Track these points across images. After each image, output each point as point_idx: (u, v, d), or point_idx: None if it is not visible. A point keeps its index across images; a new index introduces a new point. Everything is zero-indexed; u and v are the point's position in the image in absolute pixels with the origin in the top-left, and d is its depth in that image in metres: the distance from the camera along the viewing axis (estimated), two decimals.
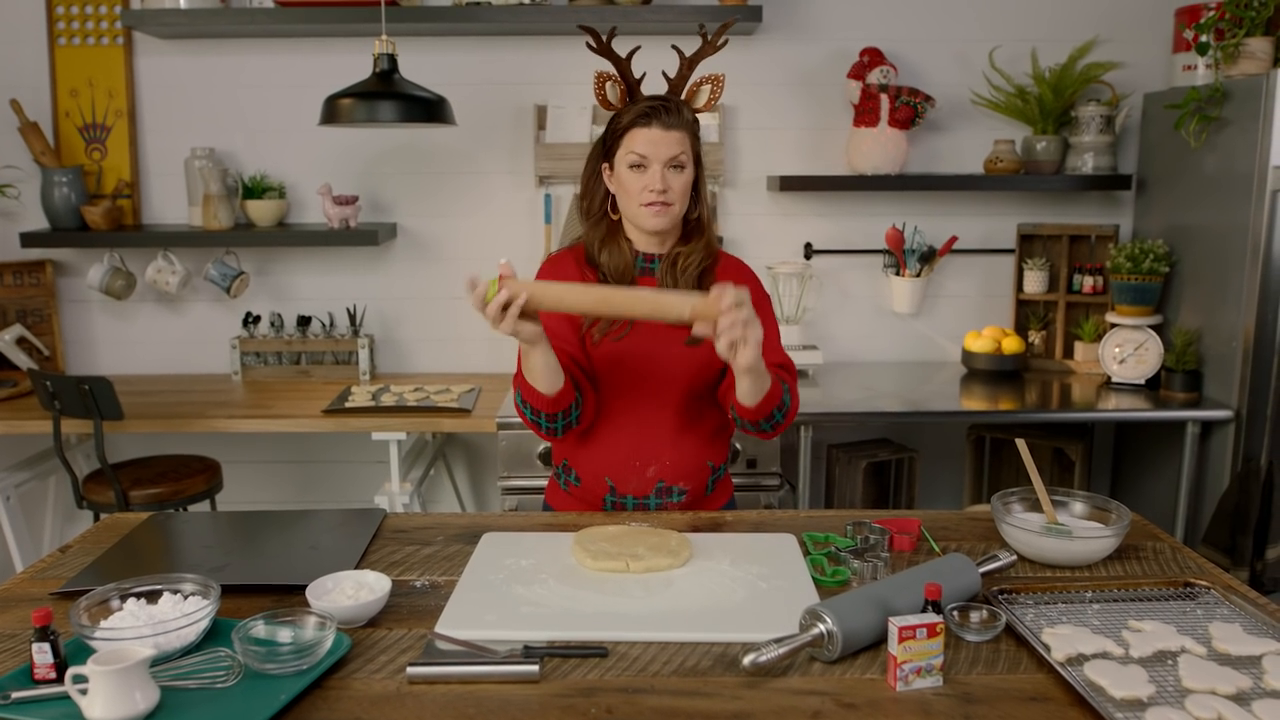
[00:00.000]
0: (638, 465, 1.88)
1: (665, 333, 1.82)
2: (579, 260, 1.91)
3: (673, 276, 1.86)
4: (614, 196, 1.87)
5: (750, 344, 1.56)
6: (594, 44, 1.88)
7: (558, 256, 1.96)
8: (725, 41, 1.91)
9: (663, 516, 1.85)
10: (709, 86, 1.89)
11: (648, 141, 1.78)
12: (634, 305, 1.61)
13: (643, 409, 1.87)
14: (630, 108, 1.82)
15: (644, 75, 1.89)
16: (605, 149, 1.86)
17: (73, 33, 3.32)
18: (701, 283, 1.86)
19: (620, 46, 1.88)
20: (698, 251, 1.87)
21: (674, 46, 1.92)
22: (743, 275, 1.93)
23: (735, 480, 2.82)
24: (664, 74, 1.89)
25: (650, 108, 1.79)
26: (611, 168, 1.85)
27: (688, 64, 1.89)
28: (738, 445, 2.89)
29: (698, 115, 1.86)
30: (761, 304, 1.89)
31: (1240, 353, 2.85)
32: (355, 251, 3.48)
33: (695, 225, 1.89)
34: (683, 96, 1.89)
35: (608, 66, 1.89)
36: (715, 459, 1.95)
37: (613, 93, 1.87)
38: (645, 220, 1.82)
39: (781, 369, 1.87)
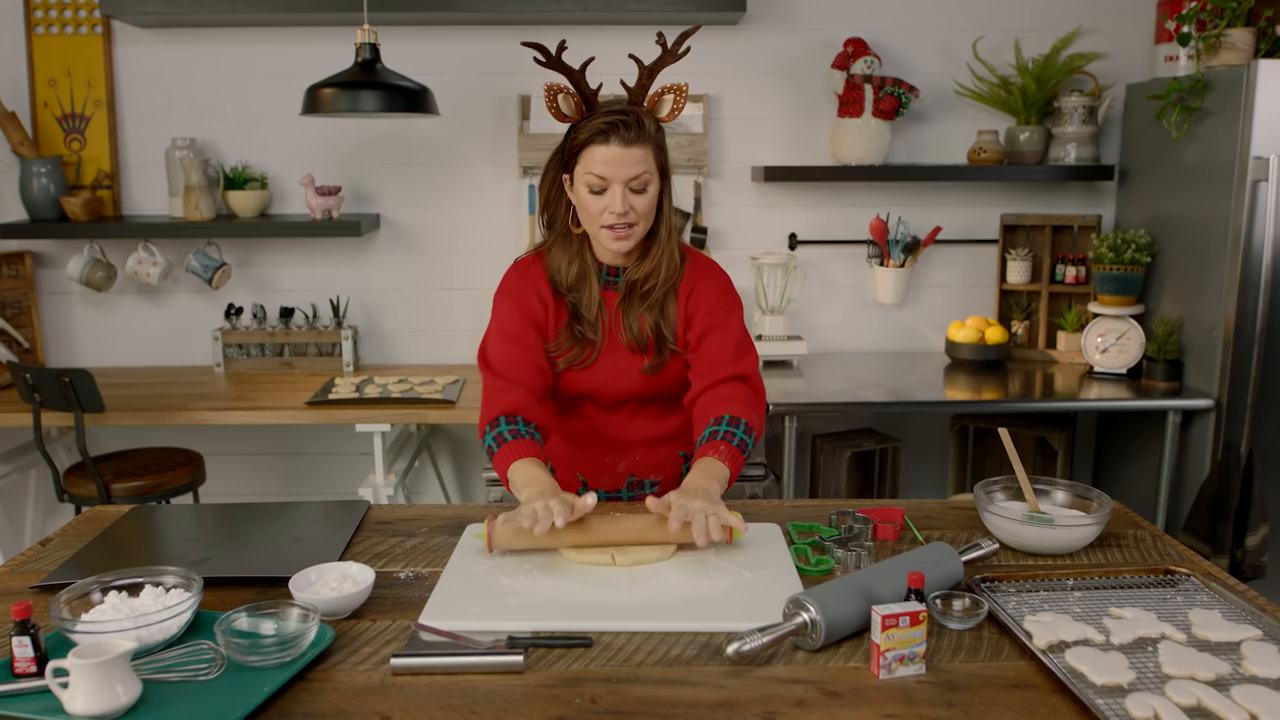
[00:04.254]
0: (607, 462, 1.88)
1: (625, 359, 1.81)
2: (548, 280, 1.81)
3: (632, 301, 1.79)
4: (574, 207, 1.76)
5: (718, 520, 1.53)
6: (542, 59, 1.73)
7: (525, 264, 1.85)
8: (687, 49, 1.75)
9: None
10: (671, 96, 1.74)
11: (606, 161, 1.65)
12: (619, 539, 1.59)
13: (610, 413, 1.87)
14: (587, 122, 1.67)
15: (600, 86, 1.75)
16: (564, 161, 1.74)
17: (50, 21, 3.28)
18: (665, 304, 1.79)
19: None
20: (659, 271, 1.76)
21: (631, 56, 1.79)
22: (710, 279, 1.83)
23: None
24: (623, 83, 1.76)
25: (608, 124, 1.65)
26: (572, 180, 1.73)
27: (647, 73, 1.75)
28: None
29: (662, 124, 1.74)
30: (728, 307, 1.82)
31: (1221, 342, 2.88)
32: (338, 242, 3.46)
33: (657, 240, 1.77)
34: (644, 105, 1.75)
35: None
36: (688, 449, 1.93)
37: (566, 105, 1.71)
38: (607, 243, 1.73)
39: (739, 381, 1.77)
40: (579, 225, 1.77)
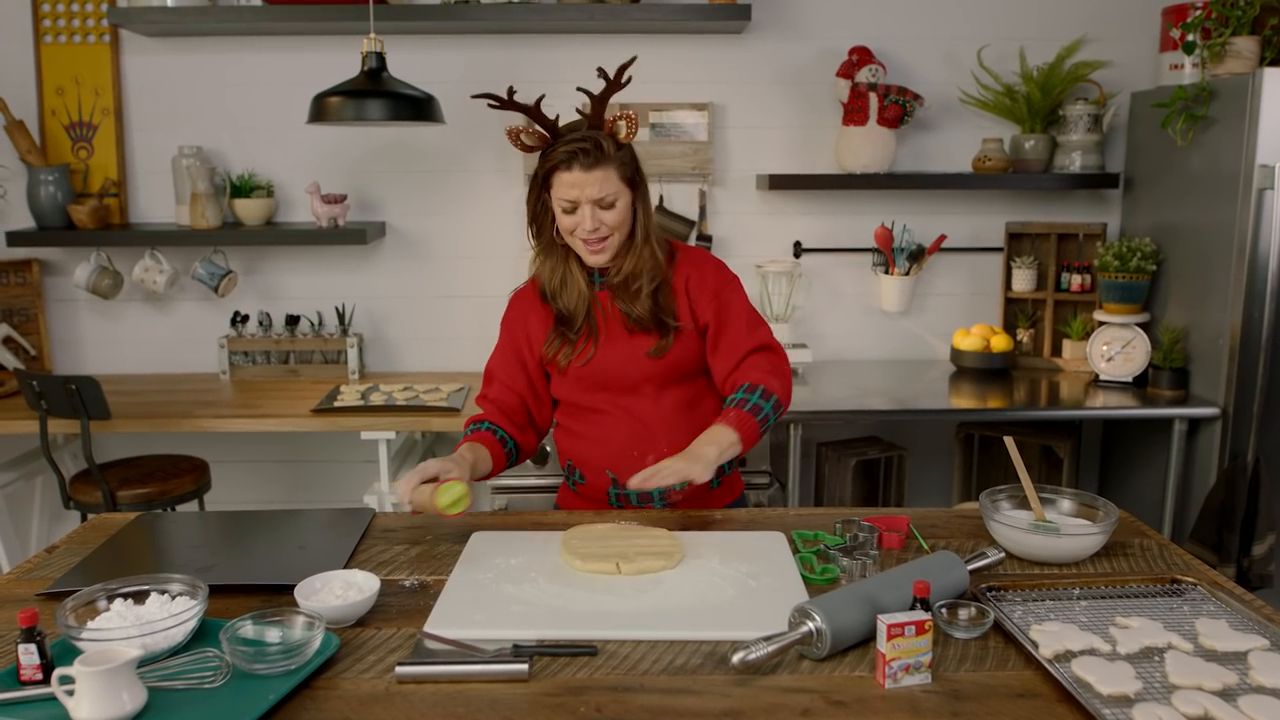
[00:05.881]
0: (636, 455, 1.88)
1: (629, 342, 1.87)
2: (539, 295, 1.94)
3: (624, 298, 1.87)
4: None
5: (673, 474, 1.67)
6: (496, 104, 1.86)
7: (522, 294, 1.99)
8: (629, 80, 1.87)
9: (652, 514, 1.85)
10: (624, 123, 1.84)
11: (572, 185, 1.78)
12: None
13: (632, 405, 1.90)
14: (551, 151, 1.80)
15: (557, 117, 1.85)
16: (543, 180, 1.85)
17: (59, 30, 3.30)
18: (656, 298, 1.87)
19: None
20: (639, 273, 1.86)
21: (580, 89, 1.88)
22: (704, 267, 1.93)
23: None
24: (578, 110, 1.90)
25: (568, 153, 1.77)
26: (549, 200, 1.86)
27: (598, 102, 1.84)
28: None
29: (621, 143, 1.83)
30: (729, 288, 1.92)
31: (1226, 350, 2.87)
32: (344, 250, 3.47)
33: (633, 244, 1.87)
34: (603, 129, 1.84)
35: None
36: None
37: (529, 140, 1.84)
38: (585, 257, 1.85)
39: (762, 351, 1.88)
40: (561, 236, 1.89)
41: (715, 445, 1.73)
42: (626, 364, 1.88)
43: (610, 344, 1.88)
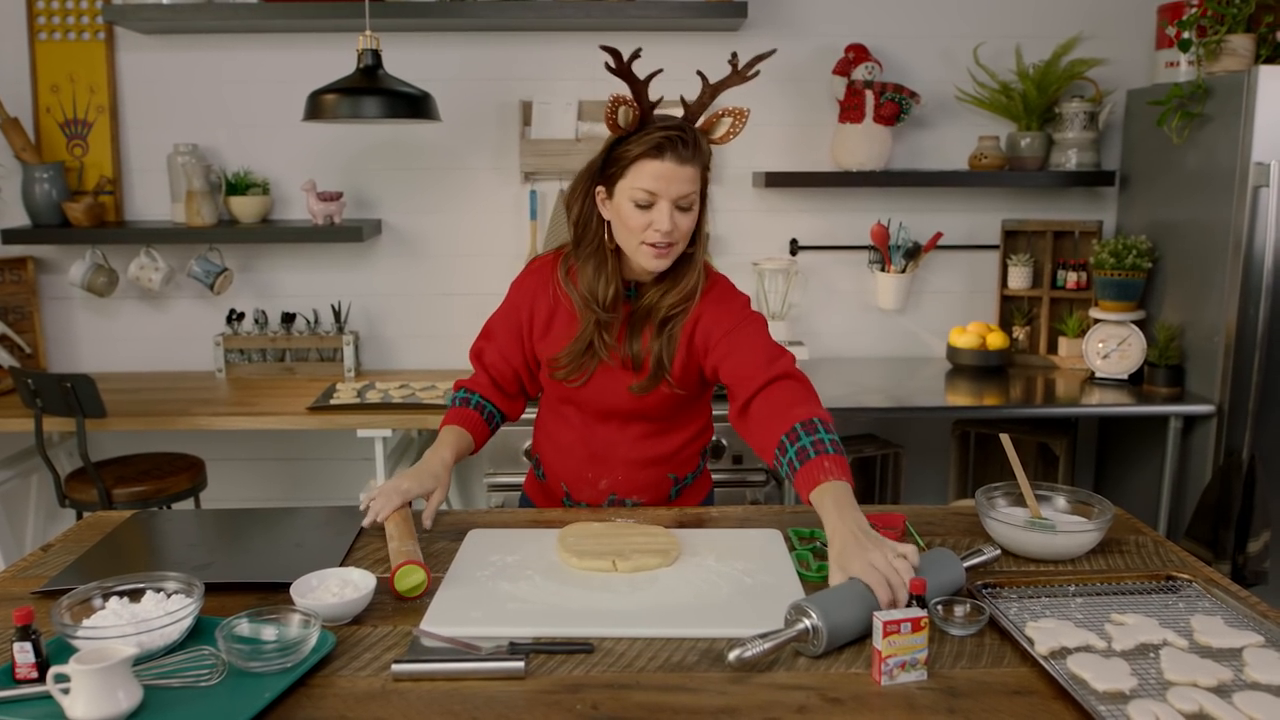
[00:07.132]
0: (590, 477, 1.88)
1: (617, 375, 1.79)
2: (561, 284, 1.79)
3: (642, 321, 1.76)
4: (609, 222, 1.72)
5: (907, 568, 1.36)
6: (613, 65, 1.64)
7: (540, 269, 1.85)
8: (756, 73, 1.71)
9: (648, 512, 1.85)
10: (730, 119, 1.69)
11: (657, 176, 1.61)
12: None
13: (599, 429, 1.87)
14: (641, 136, 1.62)
15: (660, 99, 1.67)
16: (604, 173, 1.69)
17: (53, 28, 3.29)
18: (673, 329, 1.75)
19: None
20: (674, 295, 1.73)
21: (699, 73, 1.76)
22: (724, 304, 1.77)
23: (721, 476, 2.83)
24: (682, 99, 1.73)
25: (665, 138, 1.60)
26: (609, 193, 1.68)
27: (710, 91, 1.70)
28: (723, 441, 2.89)
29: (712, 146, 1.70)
30: (748, 321, 1.75)
31: (1222, 347, 2.87)
32: (340, 248, 3.46)
33: (685, 261, 1.73)
34: (699, 124, 1.69)
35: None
36: (679, 472, 1.92)
37: (625, 117, 1.64)
38: (645, 262, 1.68)
39: (785, 379, 1.66)
40: (612, 239, 1.73)
41: (854, 510, 1.46)
42: (609, 394, 1.81)
43: (606, 370, 1.79)
